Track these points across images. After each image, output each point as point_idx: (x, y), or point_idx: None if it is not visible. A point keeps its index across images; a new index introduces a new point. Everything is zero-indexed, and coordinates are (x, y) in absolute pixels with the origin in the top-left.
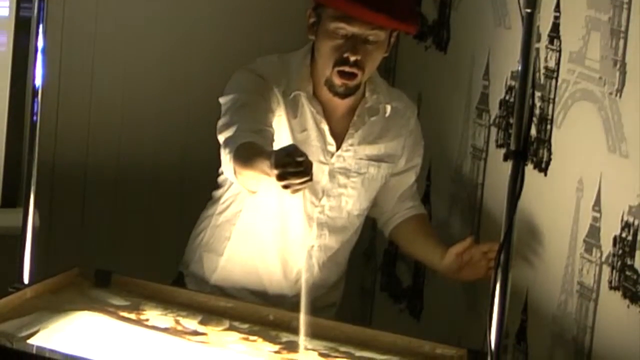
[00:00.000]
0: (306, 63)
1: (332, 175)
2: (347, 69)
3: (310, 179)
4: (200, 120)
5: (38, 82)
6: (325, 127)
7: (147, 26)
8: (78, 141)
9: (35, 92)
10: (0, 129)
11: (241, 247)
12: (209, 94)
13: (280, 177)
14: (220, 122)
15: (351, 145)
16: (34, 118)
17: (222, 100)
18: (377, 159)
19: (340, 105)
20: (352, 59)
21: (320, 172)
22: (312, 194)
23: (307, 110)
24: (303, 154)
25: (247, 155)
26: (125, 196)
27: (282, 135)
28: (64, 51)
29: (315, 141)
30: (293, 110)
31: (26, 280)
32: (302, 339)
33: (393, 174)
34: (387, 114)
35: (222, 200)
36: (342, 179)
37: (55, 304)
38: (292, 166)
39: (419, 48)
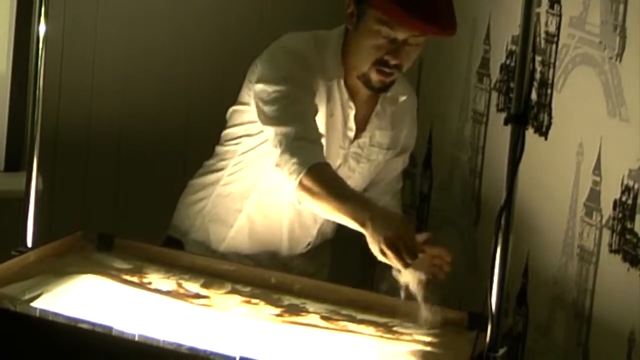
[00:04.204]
0: (339, 49)
1: (345, 159)
2: (386, 69)
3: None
4: (203, 84)
5: (41, 45)
6: (352, 112)
7: None
8: (81, 105)
9: (37, 56)
10: (4, 93)
11: (252, 221)
12: (213, 58)
13: (383, 254)
14: (271, 112)
15: (369, 132)
16: (37, 82)
17: (264, 85)
18: (386, 147)
19: (365, 94)
20: (393, 62)
21: (336, 156)
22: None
23: (338, 95)
24: (414, 239)
25: (329, 185)
26: (129, 160)
27: (317, 119)
28: (67, 21)
29: (339, 126)
30: (327, 95)
31: (29, 243)
32: (303, 302)
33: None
34: (399, 103)
35: (228, 172)
36: (352, 164)
37: (58, 268)
38: (402, 251)
39: None
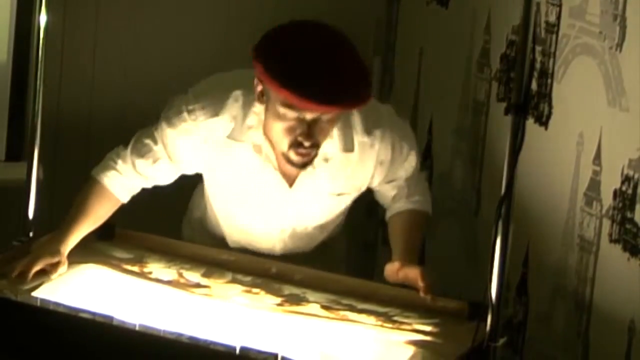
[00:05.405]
0: (257, 111)
1: (288, 204)
2: (303, 150)
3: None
4: (205, 72)
5: (42, 34)
6: (276, 173)
7: None
8: (82, 94)
9: (38, 45)
10: (5, 82)
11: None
12: (215, 47)
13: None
14: (139, 134)
15: (303, 186)
16: (38, 71)
17: (170, 103)
18: (338, 193)
19: None
20: (307, 144)
21: (274, 203)
22: (270, 218)
23: (255, 157)
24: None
25: (76, 201)
26: None
27: (220, 183)
28: (68, 10)
29: (267, 183)
30: (237, 156)
31: (31, 233)
32: (304, 292)
33: (371, 187)
34: (352, 154)
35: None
36: (304, 207)
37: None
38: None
39: (420, 3)
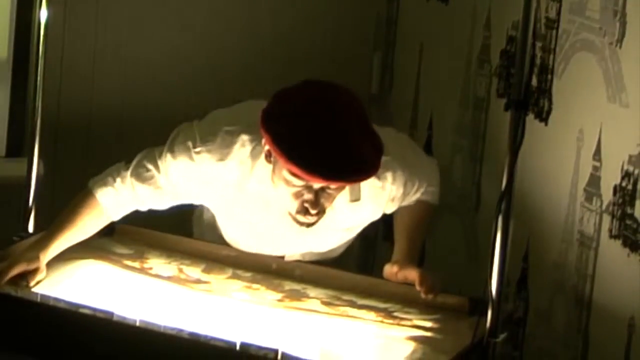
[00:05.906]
0: (264, 161)
1: (298, 239)
2: (309, 216)
3: None
4: (206, 72)
5: (42, 31)
6: (285, 214)
7: None
8: (82, 90)
9: (38, 42)
10: (5, 79)
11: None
12: (215, 45)
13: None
14: (141, 157)
15: (315, 226)
16: (38, 67)
17: (181, 131)
18: (347, 228)
19: None
20: (314, 211)
21: (283, 238)
22: (279, 248)
23: (263, 202)
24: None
25: (71, 207)
26: (130, 146)
27: (226, 216)
28: (68, 6)
29: (276, 222)
30: (244, 200)
31: (31, 229)
32: (304, 287)
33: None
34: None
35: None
36: (311, 240)
37: (59, 253)
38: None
39: None
